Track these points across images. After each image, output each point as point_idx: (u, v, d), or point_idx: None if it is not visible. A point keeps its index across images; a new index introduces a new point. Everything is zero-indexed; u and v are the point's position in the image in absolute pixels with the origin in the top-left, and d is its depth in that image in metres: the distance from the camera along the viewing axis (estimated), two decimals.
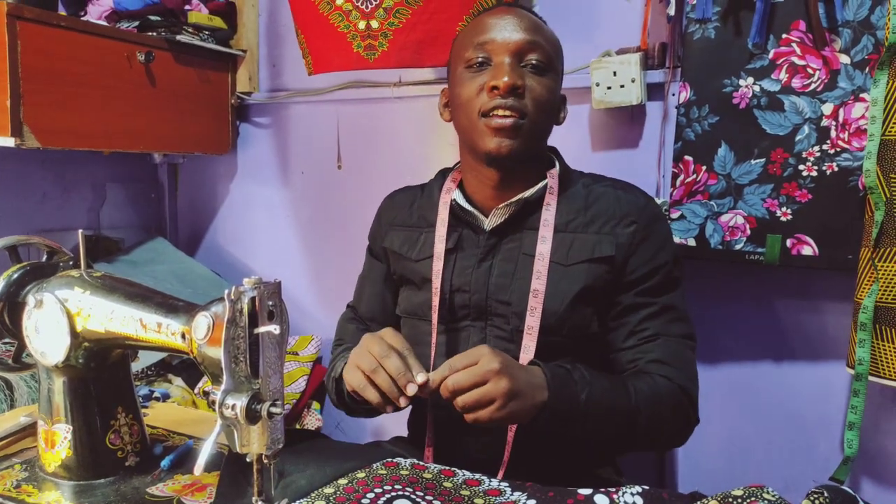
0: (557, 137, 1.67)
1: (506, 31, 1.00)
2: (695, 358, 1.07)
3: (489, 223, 1.06)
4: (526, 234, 1.05)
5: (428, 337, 1.08)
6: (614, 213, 1.05)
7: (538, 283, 1.00)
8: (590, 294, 1.02)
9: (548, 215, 1.03)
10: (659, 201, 1.52)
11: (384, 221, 1.20)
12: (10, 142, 1.50)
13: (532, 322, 1.00)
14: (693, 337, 1.07)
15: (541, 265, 1.01)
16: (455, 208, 1.08)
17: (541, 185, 1.06)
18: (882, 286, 1.26)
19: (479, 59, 1.00)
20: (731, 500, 0.67)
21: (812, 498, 0.65)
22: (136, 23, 1.84)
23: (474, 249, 1.07)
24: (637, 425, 0.94)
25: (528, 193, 1.05)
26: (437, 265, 1.07)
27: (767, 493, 0.67)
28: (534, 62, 1.00)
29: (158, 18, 1.85)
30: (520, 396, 0.85)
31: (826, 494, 0.65)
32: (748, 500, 0.66)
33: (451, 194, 1.09)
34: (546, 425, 0.88)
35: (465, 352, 0.87)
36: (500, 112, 0.98)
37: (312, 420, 1.78)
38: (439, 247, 1.07)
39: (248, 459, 0.72)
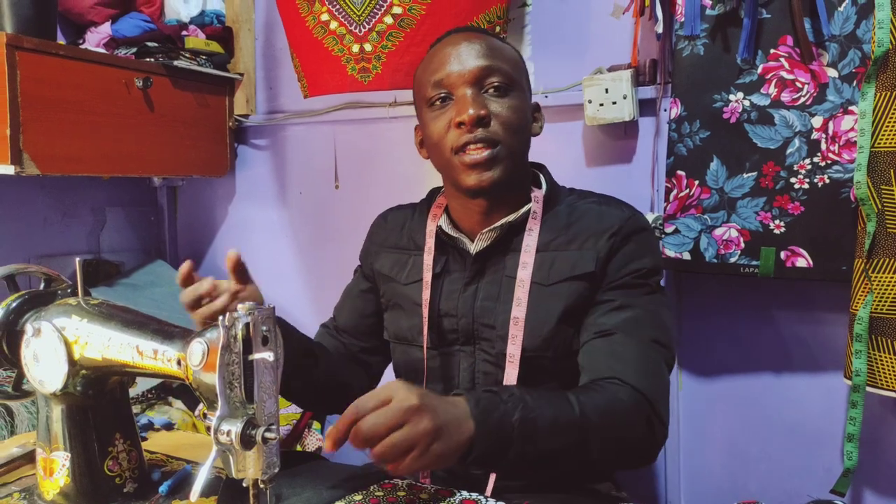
0: (551, 154, 1.69)
1: (460, 61, 0.99)
2: (662, 363, 0.96)
3: (475, 247, 1.06)
4: (510, 256, 1.04)
5: (419, 363, 1.07)
6: (596, 228, 1.02)
7: (518, 310, 0.99)
8: (572, 313, 1.00)
9: (529, 241, 1.02)
10: (653, 216, 1.53)
11: (375, 241, 1.20)
12: (10, 169, 1.52)
13: (513, 350, 0.98)
14: (666, 345, 0.98)
15: (521, 292, 0.99)
16: (441, 233, 1.09)
17: (525, 208, 1.05)
18: (876, 297, 1.26)
19: (441, 96, 1.00)
20: None
21: None
22: (134, 49, 1.86)
23: (461, 273, 1.07)
24: (589, 439, 0.84)
25: (512, 218, 1.04)
26: (426, 294, 1.06)
27: None
28: (495, 85, 0.99)
29: (156, 45, 1.88)
30: (444, 435, 0.74)
31: None
32: None
33: (436, 221, 1.09)
34: (479, 460, 0.77)
35: (375, 389, 0.77)
36: (472, 147, 0.97)
37: (313, 440, 1.79)
38: (427, 276, 1.07)
39: (244, 485, 0.72)
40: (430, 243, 1.08)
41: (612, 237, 1.01)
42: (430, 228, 1.10)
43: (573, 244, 1.02)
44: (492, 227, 1.04)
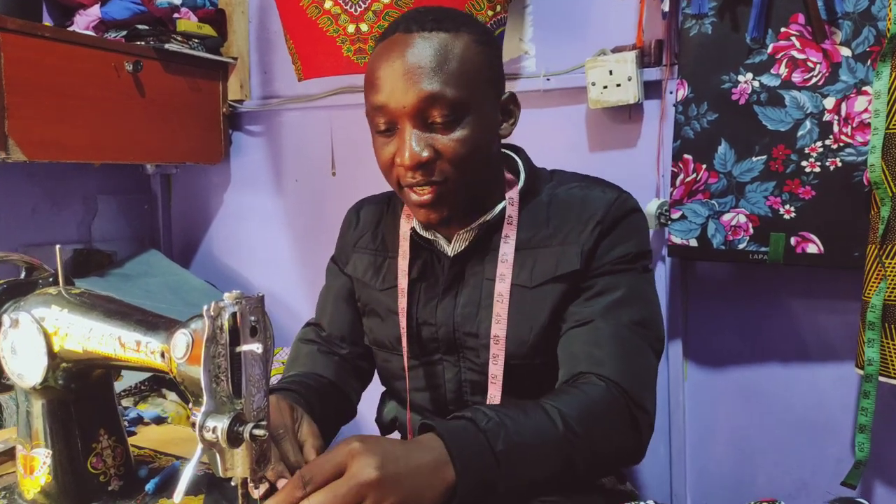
0: (553, 138, 1.65)
1: (401, 88, 0.84)
2: (645, 347, 0.90)
3: (452, 249, 0.97)
4: (490, 256, 0.95)
5: (401, 371, 1.00)
6: (579, 216, 0.93)
7: (498, 327, 0.91)
8: (560, 314, 0.92)
9: (506, 249, 0.93)
10: (659, 201, 1.49)
11: (348, 242, 1.11)
12: None
13: (495, 370, 0.91)
14: (649, 326, 0.91)
15: (500, 307, 0.91)
16: (416, 235, 0.99)
17: (502, 205, 0.96)
18: (890, 284, 1.22)
19: (383, 126, 0.88)
20: None
21: None
22: (124, 32, 1.81)
23: (439, 277, 0.98)
24: (574, 455, 0.77)
25: (489, 217, 0.95)
26: (402, 302, 0.98)
27: None
28: (439, 120, 0.85)
29: (146, 27, 1.83)
30: (415, 502, 0.66)
31: None
32: None
33: (410, 223, 1.00)
34: (465, 501, 0.70)
35: (332, 451, 0.67)
36: (418, 189, 0.88)
37: None
38: (402, 282, 0.98)
39: (232, 484, 0.68)
40: (404, 247, 0.99)
41: (597, 226, 0.92)
42: (404, 231, 1.00)
43: (556, 238, 0.93)
44: (468, 227, 0.95)
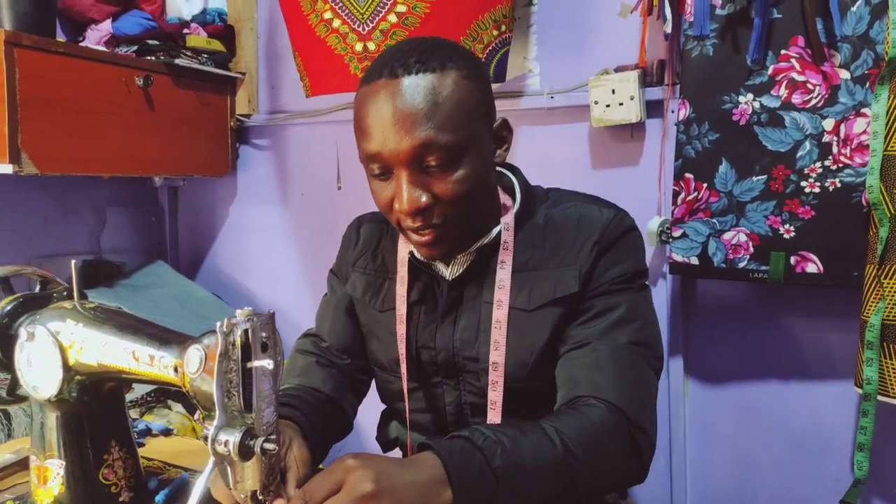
0: (557, 156, 1.67)
1: (391, 138, 0.83)
2: (644, 366, 0.90)
3: (450, 273, 0.97)
4: (489, 279, 0.95)
5: (401, 393, 1.01)
6: (576, 238, 0.93)
7: (497, 354, 0.91)
8: (559, 337, 0.92)
9: (503, 275, 0.93)
10: (660, 219, 1.51)
11: (348, 259, 1.10)
12: (8, 168, 1.50)
13: (494, 396, 0.91)
14: (648, 345, 0.91)
15: (498, 334, 0.92)
16: (414, 258, 0.99)
17: (498, 229, 0.96)
18: (888, 303, 1.24)
19: (378, 171, 0.87)
20: None
21: None
22: (135, 47, 1.85)
23: (438, 301, 0.98)
24: (575, 475, 0.78)
25: (487, 240, 0.95)
26: (401, 329, 0.98)
27: None
28: (434, 163, 0.84)
29: (157, 43, 1.86)
30: None
31: None
32: None
33: (409, 246, 0.98)
34: None
35: (326, 470, 0.69)
36: (417, 232, 0.88)
37: None
38: (401, 309, 0.98)
39: (241, 496, 0.70)
40: (402, 272, 0.99)
41: (594, 247, 0.92)
42: (402, 256, 1.00)
43: (553, 260, 0.93)
44: (466, 252, 0.95)
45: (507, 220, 0.95)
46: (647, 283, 0.97)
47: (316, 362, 1.05)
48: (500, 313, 0.92)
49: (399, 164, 0.84)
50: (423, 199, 0.84)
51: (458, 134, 0.84)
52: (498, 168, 1.02)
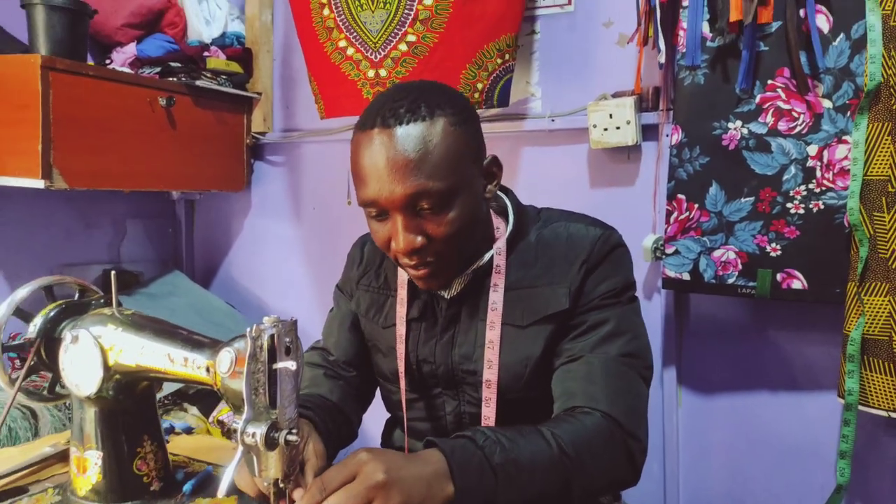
0: (557, 175, 1.76)
1: (385, 187, 0.87)
2: (635, 377, 0.95)
3: (448, 292, 1.03)
4: (484, 298, 1.00)
5: (401, 405, 1.08)
6: (566, 256, 0.99)
7: (490, 372, 0.97)
8: (552, 351, 0.98)
9: (495, 297, 0.98)
10: (655, 237, 1.59)
11: (353, 277, 1.16)
12: (39, 184, 1.59)
13: (488, 413, 0.98)
14: (638, 356, 0.97)
15: (491, 353, 0.98)
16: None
17: (491, 253, 1.01)
18: (868, 319, 1.32)
19: (375, 213, 0.93)
20: None
21: None
22: (158, 69, 1.94)
23: (438, 318, 1.04)
24: (570, 475, 0.83)
25: (482, 262, 1.00)
26: (400, 348, 1.05)
27: None
28: (427, 207, 0.89)
29: (178, 65, 1.96)
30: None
31: None
32: None
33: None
34: None
35: (340, 463, 0.76)
36: (414, 269, 0.94)
37: None
38: (401, 329, 1.05)
39: (265, 483, 0.78)
40: (402, 294, 1.05)
41: (582, 265, 0.98)
42: (403, 278, 1.06)
43: (544, 278, 0.99)
44: (462, 274, 1.01)
45: (500, 244, 1.01)
46: (635, 294, 1.03)
47: (324, 374, 1.11)
48: (492, 334, 0.98)
49: (394, 209, 0.89)
50: (419, 240, 0.90)
51: (448, 180, 0.88)
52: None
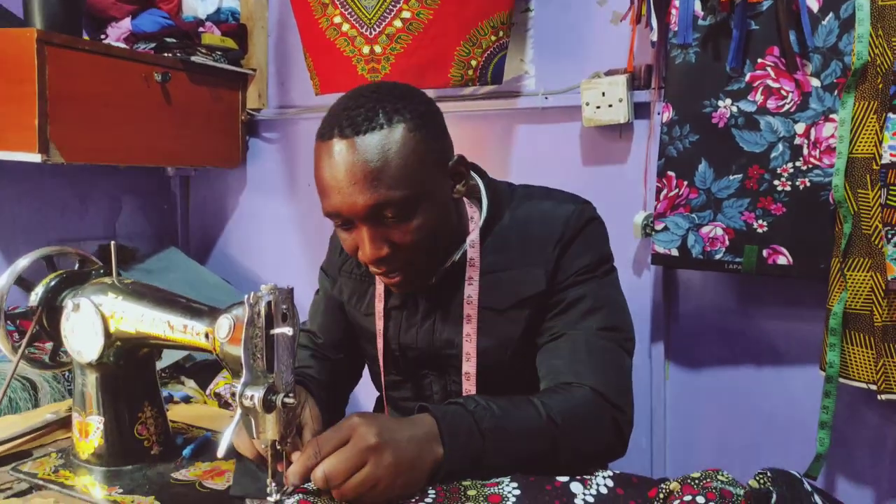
0: (550, 153, 1.78)
1: (347, 199, 0.87)
2: (617, 349, 0.97)
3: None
4: (462, 287, 1.00)
5: (390, 384, 1.10)
6: (539, 236, 0.99)
7: (468, 365, 0.99)
8: (533, 331, 0.99)
9: (471, 290, 0.99)
10: (645, 213, 1.61)
11: (336, 263, 1.16)
12: (36, 158, 1.61)
13: (469, 387, 1.00)
14: (618, 328, 0.98)
15: (469, 346, 0.99)
16: None
17: (463, 249, 1.00)
18: (850, 294, 1.35)
19: (340, 223, 0.92)
20: (689, 480, 0.76)
21: (758, 478, 0.74)
22: (153, 45, 1.94)
23: (419, 306, 1.04)
24: (557, 442, 0.85)
25: (457, 256, 1.00)
26: (379, 342, 1.07)
27: (722, 475, 0.76)
28: (390, 216, 0.88)
29: (174, 40, 1.96)
30: (407, 466, 0.76)
31: (769, 475, 0.74)
32: (704, 481, 0.75)
33: None
34: (451, 476, 0.79)
35: (334, 427, 0.78)
36: (383, 276, 0.95)
37: None
38: (379, 324, 1.06)
39: (262, 445, 0.81)
40: (379, 289, 1.06)
41: (556, 244, 0.98)
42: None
43: (520, 260, 0.99)
44: (442, 266, 1.00)
45: (473, 237, 1.00)
46: (612, 266, 1.04)
47: (311, 355, 1.13)
48: (469, 327, 0.99)
49: (358, 220, 0.89)
50: (384, 250, 0.90)
51: (410, 188, 0.87)
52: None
